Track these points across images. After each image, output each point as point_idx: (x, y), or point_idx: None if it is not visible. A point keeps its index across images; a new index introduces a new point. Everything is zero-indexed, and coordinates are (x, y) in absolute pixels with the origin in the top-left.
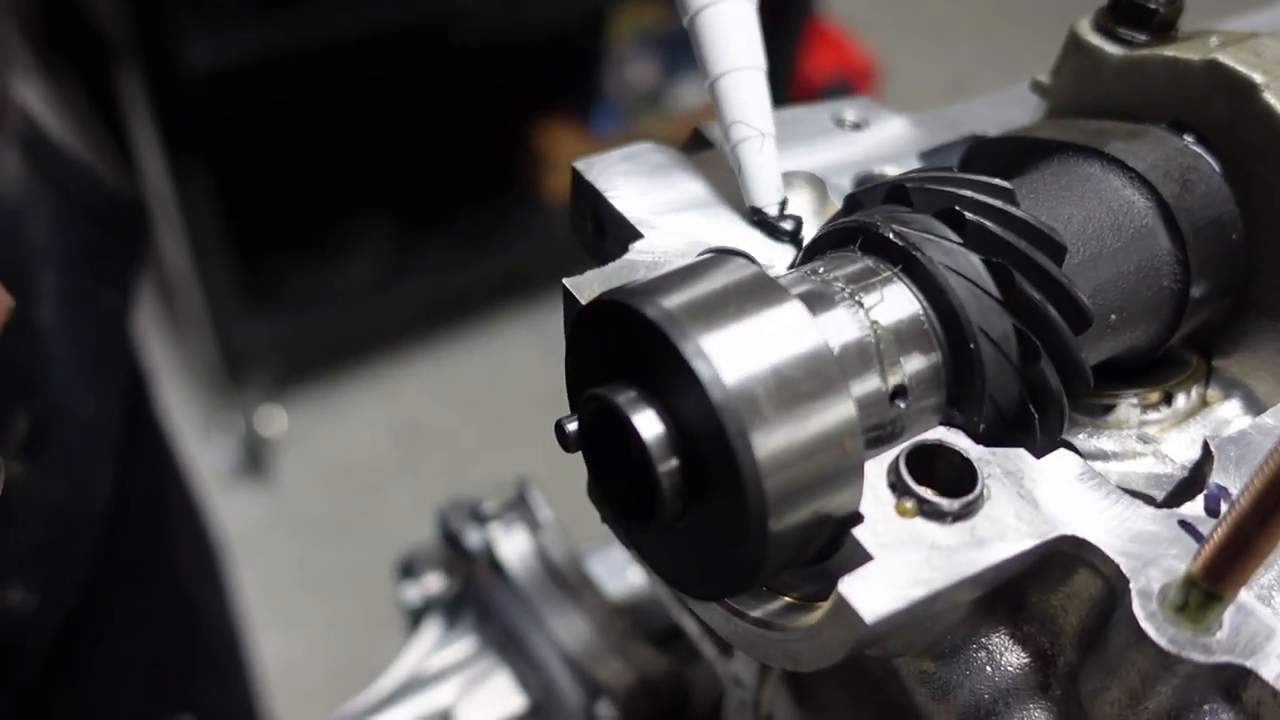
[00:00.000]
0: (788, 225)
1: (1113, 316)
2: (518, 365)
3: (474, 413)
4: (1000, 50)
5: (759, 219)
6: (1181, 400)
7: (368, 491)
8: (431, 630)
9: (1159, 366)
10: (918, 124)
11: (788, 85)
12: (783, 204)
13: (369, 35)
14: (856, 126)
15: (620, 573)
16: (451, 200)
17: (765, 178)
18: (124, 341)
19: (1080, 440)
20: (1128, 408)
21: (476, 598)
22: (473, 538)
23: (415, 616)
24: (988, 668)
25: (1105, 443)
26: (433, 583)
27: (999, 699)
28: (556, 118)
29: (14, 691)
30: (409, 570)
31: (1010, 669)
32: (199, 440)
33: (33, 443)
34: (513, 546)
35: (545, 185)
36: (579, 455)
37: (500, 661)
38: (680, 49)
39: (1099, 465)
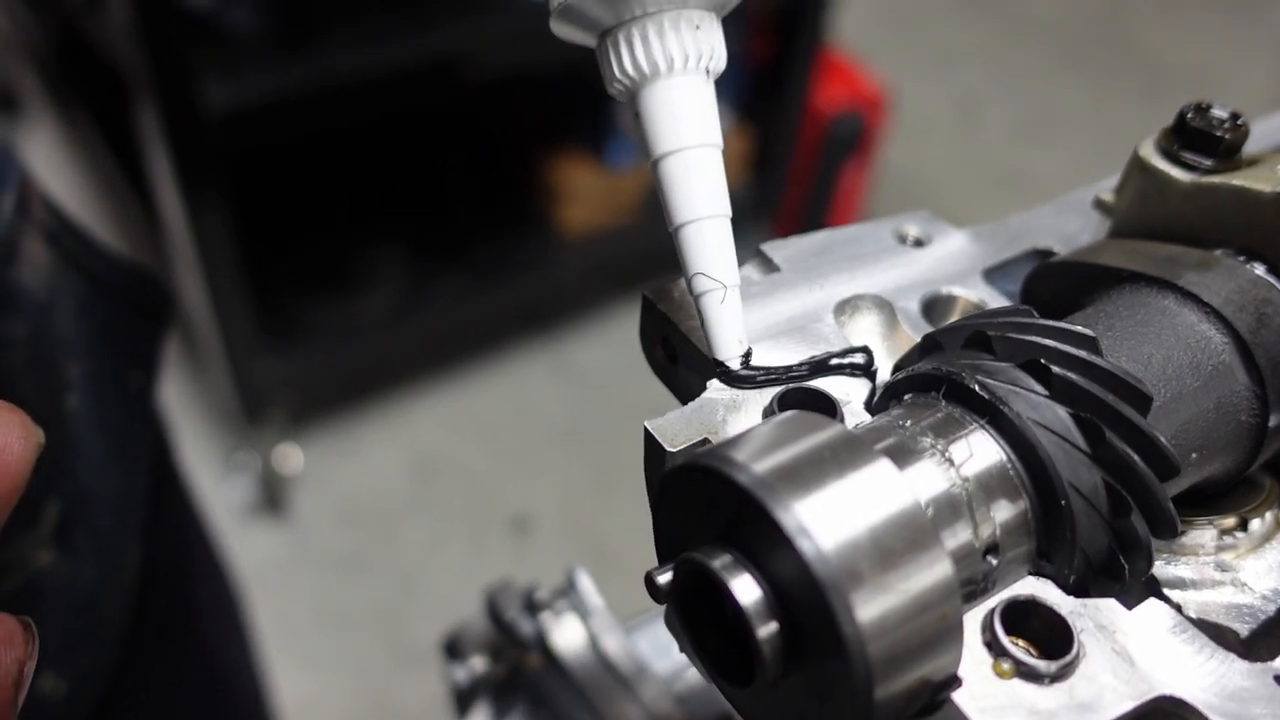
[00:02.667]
0: (746, 373)
1: (1193, 455)
2: (533, 398)
3: (490, 446)
4: (1008, 76)
5: (722, 372)
6: (1257, 524)
7: (384, 527)
8: (482, 714)
9: (1233, 491)
10: (978, 238)
11: (800, 117)
12: (746, 355)
13: (384, 73)
14: (919, 243)
15: (667, 651)
16: (466, 234)
17: (727, 331)
18: (148, 417)
19: (1158, 568)
20: (1202, 533)
21: (528, 684)
22: (525, 625)
23: (461, 696)
24: None
25: (1182, 570)
26: (478, 664)
27: None
28: (571, 152)
29: None
30: (454, 651)
31: None
32: (216, 479)
33: (62, 530)
34: (566, 635)
35: (560, 219)
36: (591, 488)
37: None
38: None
39: (1178, 594)
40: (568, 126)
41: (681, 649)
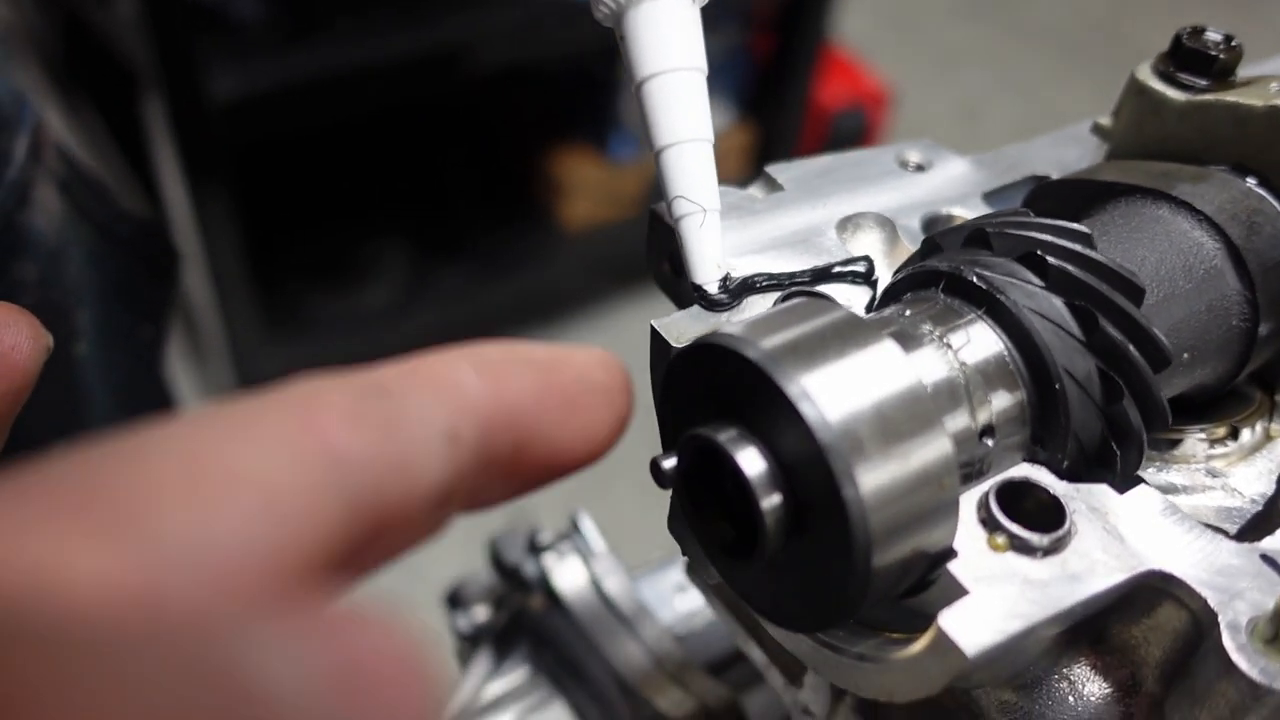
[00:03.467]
0: (724, 298)
1: (1185, 355)
2: None
3: None
4: (1011, 76)
5: (699, 295)
6: (1247, 435)
7: None
8: (484, 660)
9: (1224, 402)
10: (979, 165)
11: (803, 113)
12: (725, 280)
13: (387, 65)
14: (920, 168)
15: (669, 599)
16: (468, 227)
17: (705, 255)
18: (156, 373)
19: (1150, 474)
20: (1194, 442)
21: (530, 626)
22: (528, 567)
23: (465, 643)
24: (1070, 698)
25: (1174, 477)
26: (481, 613)
27: None
28: (573, 145)
29: None
30: (456, 601)
31: (1092, 699)
32: None
33: None
34: (568, 576)
35: (561, 212)
36: (591, 480)
37: (555, 692)
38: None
39: (1170, 499)
40: (570, 120)
41: (682, 543)
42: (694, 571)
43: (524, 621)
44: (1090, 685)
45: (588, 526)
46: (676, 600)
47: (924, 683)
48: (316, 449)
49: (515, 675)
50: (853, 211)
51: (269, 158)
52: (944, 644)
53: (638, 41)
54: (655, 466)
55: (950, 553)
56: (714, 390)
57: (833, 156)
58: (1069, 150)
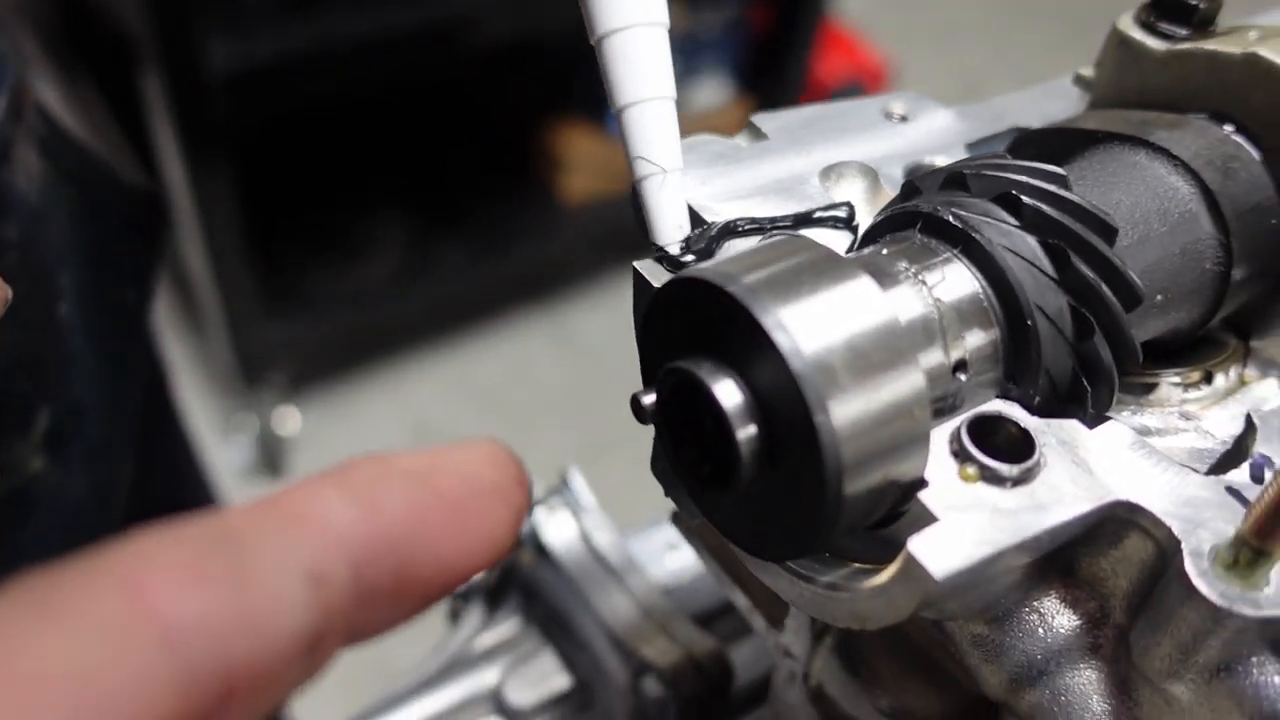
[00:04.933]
0: (688, 259)
1: (1159, 297)
2: (533, 366)
3: (488, 413)
4: (1012, 52)
5: (660, 255)
6: (1221, 380)
7: None
8: (474, 616)
9: (1199, 348)
10: (963, 116)
11: (801, 86)
12: (686, 241)
13: (386, 38)
14: (904, 119)
15: (658, 557)
16: (468, 201)
17: (666, 215)
18: (143, 337)
19: (1125, 417)
20: (1169, 387)
21: (520, 581)
22: None
23: (457, 600)
24: (1040, 630)
25: (1149, 419)
26: None
27: (1051, 659)
28: (572, 120)
29: None
30: None
31: (1062, 630)
32: (215, 440)
33: (53, 438)
34: (558, 530)
35: (560, 186)
36: (588, 454)
37: (545, 642)
38: (695, 51)
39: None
40: (569, 94)
41: (664, 482)
42: (679, 520)
43: (515, 576)
44: (1060, 617)
45: (578, 483)
46: (666, 558)
47: (894, 608)
48: (144, 625)
49: (506, 627)
50: (836, 160)
51: (268, 132)
52: (913, 569)
53: None
54: (635, 402)
55: (921, 482)
56: (693, 326)
57: (818, 106)
58: (1054, 103)
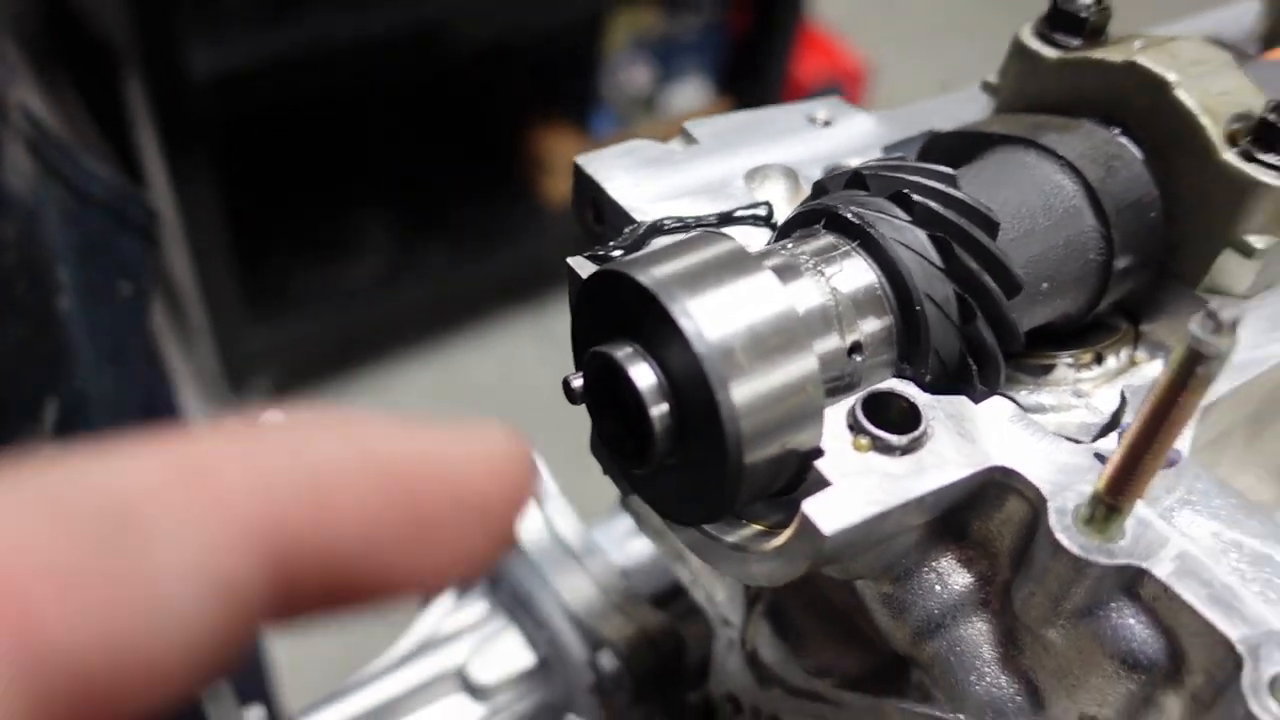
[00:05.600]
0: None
1: (1044, 285)
2: (518, 367)
3: (475, 414)
4: (990, 56)
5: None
6: (1112, 361)
7: None
8: (443, 602)
9: (1092, 332)
10: (882, 121)
11: (780, 88)
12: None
13: (369, 40)
14: (827, 124)
15: (621, 544)
16: (451, 203)
17: None
18: (141, 330)
19: (1023, 396)
20: (1064, 368)
21: None
22: None
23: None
24: (937, 587)
25: (1044, 398)
26: None
27: (947, 614)
28: (555, 122)
29: None
30: None
31: (957, 588)
32: None
33: (62, 428)
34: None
35: (544, 188)
36: (574, 455)
37: (510, 623)
38: (673, 54)
39: (1038, 416)
40: (552, 97)
41: (601, 461)
42: (626, 503)
43: None
44: (955, 576)
45: (539, 470)
46: (630, 545)
47: (793, 565)
48: None
49: (472, 610)
50: (761, 163)
51: (251, 133)
52: (807, 527)
53: None
54: (566, 384)
55: (818, 452)
56: (615, 315)
57: (747, 113)
58: (968, 107)
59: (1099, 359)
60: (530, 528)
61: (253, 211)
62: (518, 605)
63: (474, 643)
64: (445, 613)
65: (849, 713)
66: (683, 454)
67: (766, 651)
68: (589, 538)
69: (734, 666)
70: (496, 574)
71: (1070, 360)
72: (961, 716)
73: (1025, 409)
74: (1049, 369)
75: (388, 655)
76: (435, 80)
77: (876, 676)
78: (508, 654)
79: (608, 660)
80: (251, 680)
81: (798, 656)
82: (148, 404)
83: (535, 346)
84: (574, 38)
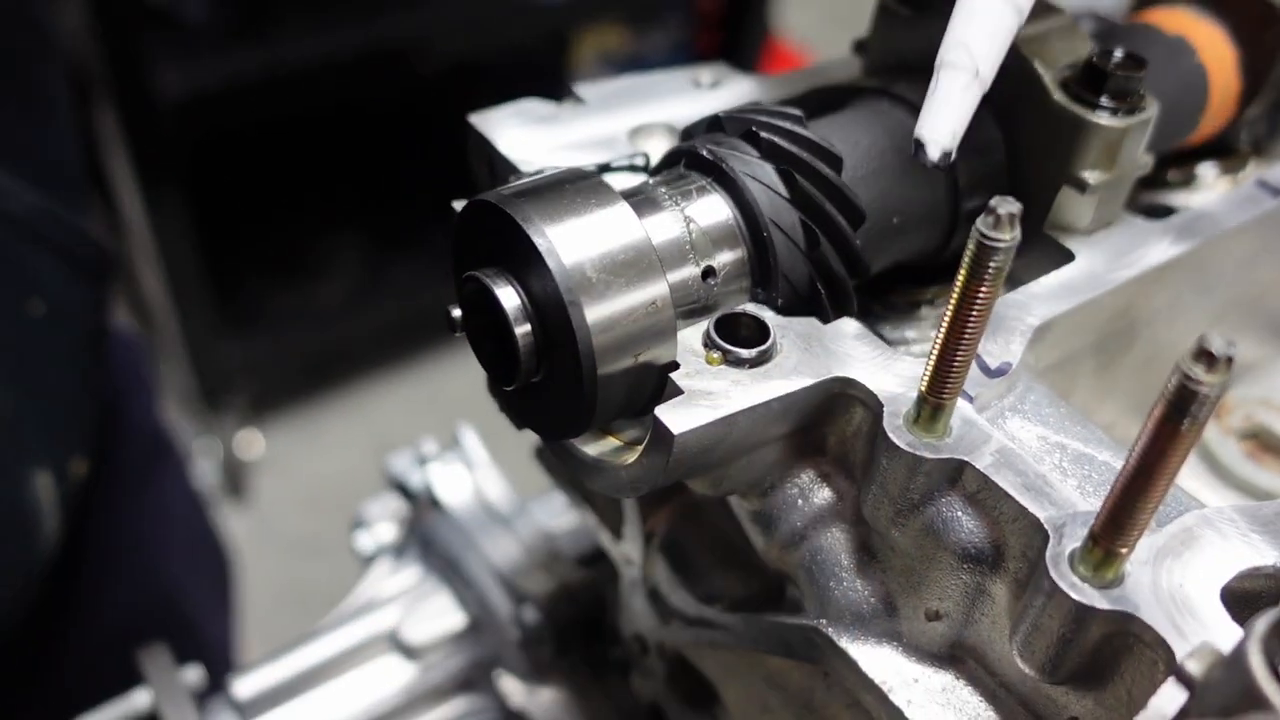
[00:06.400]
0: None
1: (895, 219)
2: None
3: (448, 430)
4: None
5: (917, 149)
6: None
7: (346, 511)
8: (381, 569)
9: (952, 270)
10: (764, 84)
11: None
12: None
13: (337, 61)
14: (713, 86)
15: (557, 514)
16: (422, 221)
17: (951, 114)
18: (70, 352)
19: (887, 330)
20: (926, 306)
21: (419, 533)
22: (415, 478)
23: (369, 563)
24: (799, 501)
25: (909, 332)
26: (383, 531)
27: (809, 525)
28: None
29: None
30: (360, 523)
31: (817, 501)
32: None
33: None
34: (451, 483)
35: None
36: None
37: (440, 584)
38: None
39: (901, 348)
40: None
41: (491, 389)
42: (539, 454)
43: (414, 529)
44: (815, 490)
45: (470, 440)
46: (565, 517)
47: (651, 471)
48: None
49: (407, 574)
50: (645, 121)
51: (222, 155)
52: (660, 431)
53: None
54: (447, 314)
55: (673, 365)
56: (485, 246)
57: (635, 76)
58: (846, 70)
59: None
60: (461, 494)
61: (225, 231)
62: (448, 568)
63: (406, 604)
64: (380, 577)
65: (735, 634)
66: (547, 370)
67: (664, 585)
68: (519, 505)
69: (638, 606)
70: (428, 539)
71: (930, 296)
72: (824, 621)
73: (889, 341)
74: (915, 306)
75: (328, 618)
76: (405, 99)
77: (759, 598)
78: (438, 614)
79: (530, 614)
80: (211, 643)
81: (690, 586)
82: (48, 423)
83: None
84: (541, 56)
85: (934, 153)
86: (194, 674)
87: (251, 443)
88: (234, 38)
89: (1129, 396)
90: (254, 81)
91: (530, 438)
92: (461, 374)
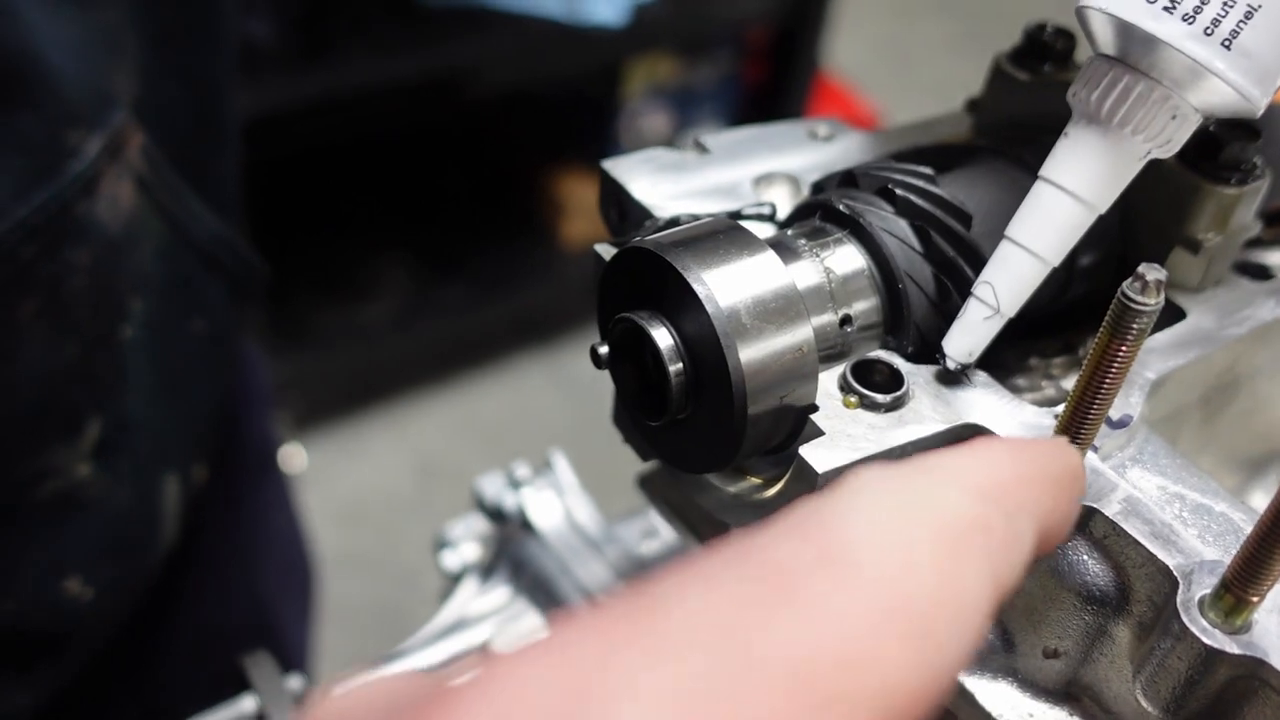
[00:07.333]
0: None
1: None
2: (533, 405)
3: (490, 451)
4: None
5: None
6: (1080, 349)
7: (386, 528)
8: (468, 588)
9: (1062, 325)
10: (876, 138)
11: None
12: (964, 367)
13: (393, 86)
14: (827, 139)
15: (639, 540)
16: (471, 244)
17: (968, 338)
18: (213, 367)
19: (1000, 377)
20: (1037, 356)
21: (509, 555)
22: (507, 500)
23: (453, 582)
24: None
25: (1019, 380)
26: (468, 551)
27: None
28: (573, 166)
29: (71, 679)
30: (445, 542)
31: None
32: None
33: (101, 448)
34: (543, 506)
35: (562, 231)
36: (593, 492)
37: (531, 605)
38: (690, 102)
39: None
40: (570, 142)
41: (621, 428)
42: (644, 483)
43: (505, 550)
44: None
45: (561, 465)
46: (644, 544)
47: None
48: None
49: (496, 595)
50: (767, 170)
51: (277, 173)
52: (803, 468)
53: (1065, 148)
54: (593, 351)
55: (812, 407)
56: (637, 288)
57: (755, 128)
58: (955, 127)
59: (1068, 347)
60: (552, 518)
61: (278, 248)
62: (538, 589)
63: (498, 622)
64: (470, 597)
65: None
66: (694, 408)
67: None
68: (607, 529)
69: None
70: (519, 560)
71: (1042, 348)
72: None
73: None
74: (1024, 356)
75: (417, 635)
76: (456, 125)
77: None
78: (530, 632)
79: None
80: (293, 653)
81: None
82: (216, 435)
83: (550, 384)
84: (593, 86)
85: (951, 365)
86: (296, 682)
87: (294, 457)
88: (296, 62)
89: (1227, 448)
90: (313, 104)
91: (606, 465)
92: (503, 396)
